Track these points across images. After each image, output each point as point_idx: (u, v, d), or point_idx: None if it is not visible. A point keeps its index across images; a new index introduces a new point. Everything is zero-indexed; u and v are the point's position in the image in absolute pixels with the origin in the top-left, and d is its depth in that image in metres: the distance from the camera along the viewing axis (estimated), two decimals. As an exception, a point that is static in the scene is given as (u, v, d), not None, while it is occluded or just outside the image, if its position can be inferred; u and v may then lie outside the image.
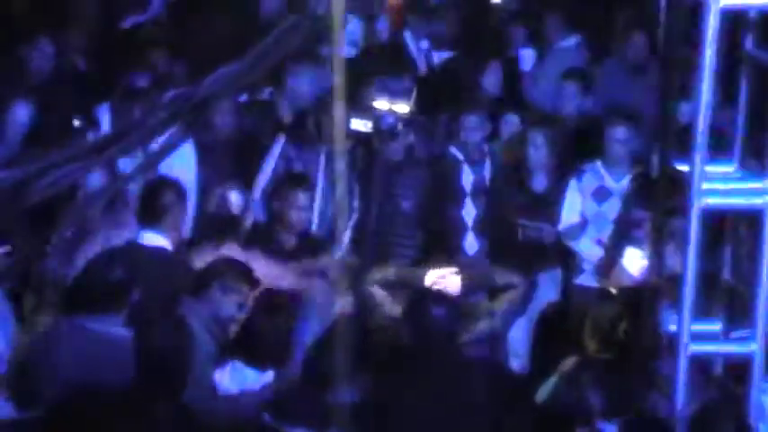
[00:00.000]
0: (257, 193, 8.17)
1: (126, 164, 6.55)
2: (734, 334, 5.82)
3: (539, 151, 8.24)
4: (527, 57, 9.98)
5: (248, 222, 7.69)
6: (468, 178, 8.38)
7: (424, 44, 10.02)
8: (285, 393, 5.58)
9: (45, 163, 4.83)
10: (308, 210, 7.72)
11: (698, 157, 5.58)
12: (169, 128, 5.54)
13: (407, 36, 10.02)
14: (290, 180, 7.92)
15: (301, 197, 7.67)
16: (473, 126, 8.36)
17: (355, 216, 8.19)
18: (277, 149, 8.30)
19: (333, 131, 8.18)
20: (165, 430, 5.28)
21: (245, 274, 6.44)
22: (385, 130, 8.08)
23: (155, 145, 5.97)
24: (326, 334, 6.19)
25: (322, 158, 8.26)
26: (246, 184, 8.18)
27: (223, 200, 7.47)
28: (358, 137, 7.96)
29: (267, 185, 8.17)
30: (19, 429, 5.47)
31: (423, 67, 9.92)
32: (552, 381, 6.24)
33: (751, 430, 5.28)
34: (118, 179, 6.65)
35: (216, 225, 7.41)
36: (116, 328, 5.75)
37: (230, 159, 8.39)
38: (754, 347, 5.68)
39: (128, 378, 5.45)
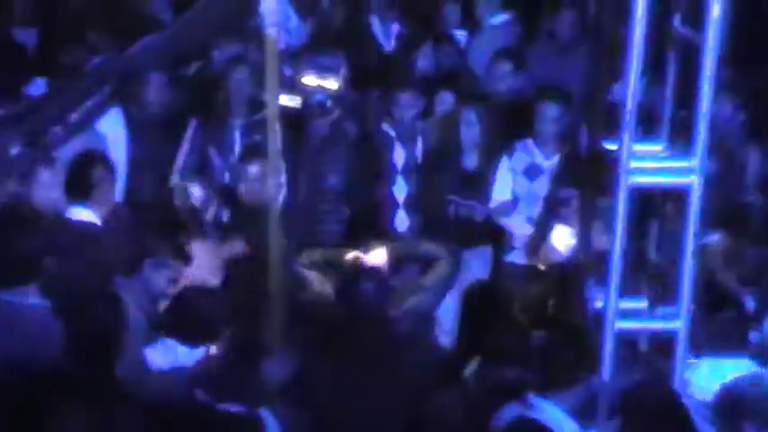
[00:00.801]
0: (175, 178, 8.14)
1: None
2: (659, 311, 5.88)
3: (471, 129, 8.27)
4: (460, 36, 9.99)
5: (209, 215, 7.65)
6: (399, 155, 8.40)
7: (395, 28, 9.92)
8: (216, 370, 5.56)
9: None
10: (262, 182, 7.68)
11: (626, 136, 5.62)
12: (93, 96, 5.49)
13: (374, 21, 9.91)
14: (243, 152, 7.92)
15: (252, 170, 7.65)
16: (406, 104, 8.38)
17: (283, 192, 8.16)
18: (191, 128, 8.26)
19: (246, 107, 8.19)
20: (95, 406, 5.25)
21: (177, 249, 6.41)
22: (314, 105, 8.07)
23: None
24: (257, 310, 6.18)
25: (237, 135, 8.23)
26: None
27: (185, 194, 7.44)
28: (285, 113, 7.93)
29: (182, 166, 8.15)
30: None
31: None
32: (481, 357, 6.27)
33: (681, 404, 5.32)
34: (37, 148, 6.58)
35: (180, 219, 7.37)
36: (32, 299, 5.71)
37: (163, 137, 8.35)
38: (678, 324, 5.75)
39: (49, 348, 5.42)
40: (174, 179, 8.17)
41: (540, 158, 8.26)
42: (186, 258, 6.41)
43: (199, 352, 5.91)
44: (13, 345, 5.56)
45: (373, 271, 6.29)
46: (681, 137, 5.91)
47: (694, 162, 5.66)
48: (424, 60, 9.42)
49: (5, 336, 5.60)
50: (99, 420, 5.10)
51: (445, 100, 8.76)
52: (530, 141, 8.28)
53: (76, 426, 4.96)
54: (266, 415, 5.15)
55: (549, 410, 5.39)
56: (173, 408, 5.29)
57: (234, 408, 5.12)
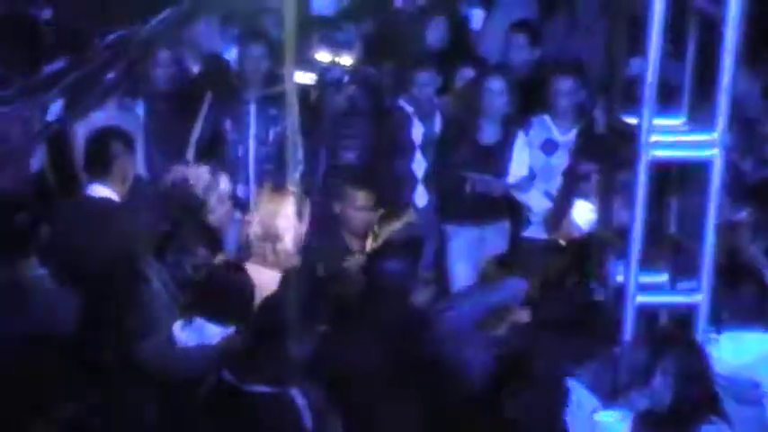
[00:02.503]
0: (190, 153, 8.12)
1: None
2: (680, 285, 5.87)
3: (495, 98, 8.21)
4: (477, 16, 9.95)
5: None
6: (417, 131, 8.39)
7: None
8: (243, 349, 5.51)
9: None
10: None
11: (646, 110, 5.60)
12: (112, 70, 5.48)
13: None
14: None
15: None
16: (424, 82, 8.35)
17: (301, 168, 8.16)
18: (205, 106, 8.22)
19: (260, 83, 8.15)
20: (118, 383, 5.25)
21: (205, 238, 6.37)
22: (329, 82, 8.05)
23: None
24: (280, 287, 6.14)
25: (252, 109, 8.19)
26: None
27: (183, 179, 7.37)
28: (300, 89, 7.92)
29: (197, 144, 8.14)
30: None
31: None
32: (502, 332, 6.25)
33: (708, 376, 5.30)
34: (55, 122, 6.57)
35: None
36: (34, 270, 5.71)
37: (176, 112, 8.34)
38: (699, 298, 5.74)
39: (56, 320, 5.41)
40: (189, 154, 8.15)
41: (556, 133, 8.25)
42: (216, 248, 6.37)
43: (226, 330, 5.88)
44: (24, 320, 5.55)
45: (398, 248, 6.26)
46: (701, 110, 5.88)
47: (715, 136, 5.64)
48: (434, 34, 9.35)
49: (13, 311, 5.59)
50: (118, 398, 5.09)
51: (464, 75, 8.73)
52: (546, 116, 8.27)
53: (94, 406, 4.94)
54: (296, 394, 5.13)
55: (571, 387, 5.39)
56: (199, 387, 5.27)
57: (262, 388, 5.10)
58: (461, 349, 5.87)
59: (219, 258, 6.37)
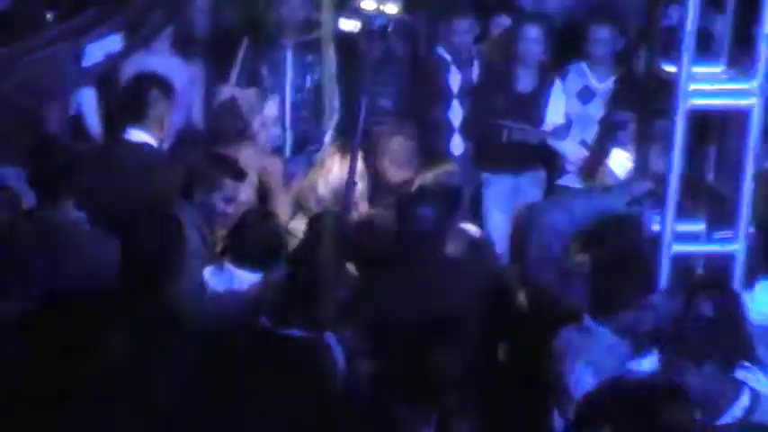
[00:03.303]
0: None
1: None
2: (716, 234, 5.85)
3: (531, 45, 8.17)
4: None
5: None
6: (455, 79, 8.36)
7: None
8: (280, 295, 5.55)
9: (21, 46, 4.80)
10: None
11: (685, 58, 5.56)
12: (151, 12, 5.49)
13: None
14: None
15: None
16: (463, 29, 8.31)
17: (336, 116, 8.16)
18: (242, 50, 8.20)
19: (297, 27, 8.11)
20: (150, 328, 5.28)
21: (227, 168, 6.40)
22: (373, 30, 8.00)
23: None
24: (313, 233, 6.16)
25: (289, 56, 8.16)
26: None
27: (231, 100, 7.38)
28: (342, 36, 7.91)
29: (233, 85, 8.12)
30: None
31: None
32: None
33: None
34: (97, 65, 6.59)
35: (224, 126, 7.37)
36: (70, 213, 5.75)
37: (210, 58, 8.33)
38: (736, 248, 5.72)
39: (97, 262, 5.45)
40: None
41: (593, 81, 8.20)
42: (240, 176, 6.40)
43: (255, 276, 5.92)
44: (63, 261, 5.59)
45: (432, 195, 6.24)
46: (740, 58, 5.83)
47: (754, 84, 5.60)
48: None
49: (54, 253, 5.64)
50: (151, 341, 5.12)
51: (501, 23, 8.68)
52: (583, 64, 8.22)
53: (130, 346, 4.96)
54: (331, 338, 5.17)
55: (603, 334, 5.39)
56: (234, 332, 5.31)
57: (298, 333, 5.14)
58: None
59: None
